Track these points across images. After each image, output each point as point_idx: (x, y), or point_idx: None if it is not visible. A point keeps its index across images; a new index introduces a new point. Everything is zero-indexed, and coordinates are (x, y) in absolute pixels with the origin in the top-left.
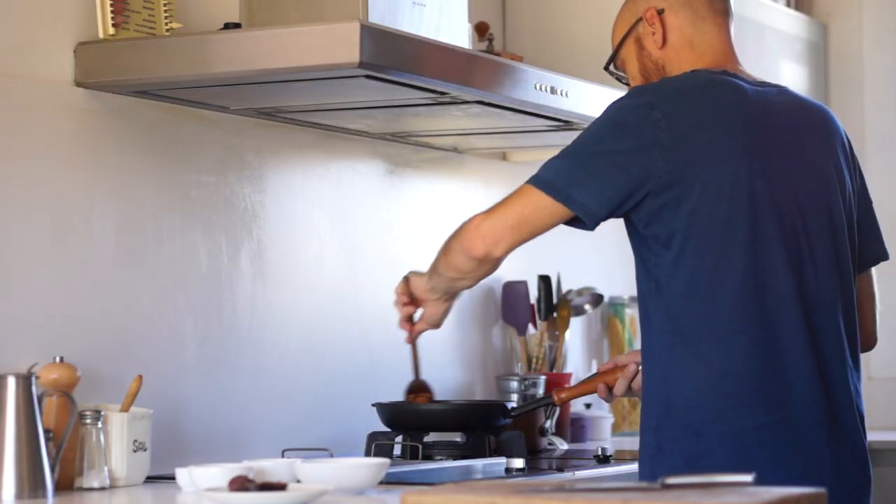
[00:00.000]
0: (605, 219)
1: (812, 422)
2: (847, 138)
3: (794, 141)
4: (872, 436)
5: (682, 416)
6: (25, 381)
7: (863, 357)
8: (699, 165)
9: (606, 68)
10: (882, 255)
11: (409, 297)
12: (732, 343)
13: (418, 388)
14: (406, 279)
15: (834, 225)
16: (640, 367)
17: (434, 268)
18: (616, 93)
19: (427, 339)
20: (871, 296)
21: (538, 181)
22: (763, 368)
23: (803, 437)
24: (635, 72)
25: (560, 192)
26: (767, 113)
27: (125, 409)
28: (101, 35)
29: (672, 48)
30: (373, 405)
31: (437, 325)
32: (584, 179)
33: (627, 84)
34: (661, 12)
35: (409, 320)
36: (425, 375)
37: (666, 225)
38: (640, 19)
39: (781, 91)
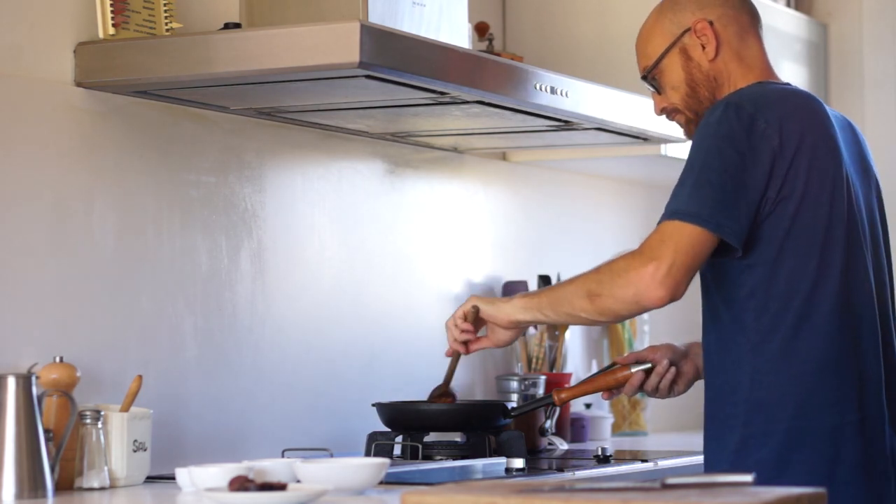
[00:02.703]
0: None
1: (880, 424)
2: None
3: (851, 149)
4: None
5: (773, 412)
6: (25, 381)
7: None
8: (802, 169)
9: (644, 78)
10: None
11: (473, 324)
12: (828, 342)
13: (444, 394)
14: (475, 308)
15: (884, 229)
16: (704, 367)
17: (549, 305)
18: (615, 93)
19: (427, 339)
20: None
21: (685, 215)
22: (851, 368)
23: (876, 438)
24: (679, 82)
25: (710, 221)
26: (831, 120)
27: (125, 409)
28: (101, 35)
29: (722, 61)
30: (373, 405)
31: (504, 346)
32: (725, 203)
33: (661, 92)
34: (711, 24)
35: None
36: (425, 375)
37: (771, 227)
38: (688, 30)
39: (821, 102)
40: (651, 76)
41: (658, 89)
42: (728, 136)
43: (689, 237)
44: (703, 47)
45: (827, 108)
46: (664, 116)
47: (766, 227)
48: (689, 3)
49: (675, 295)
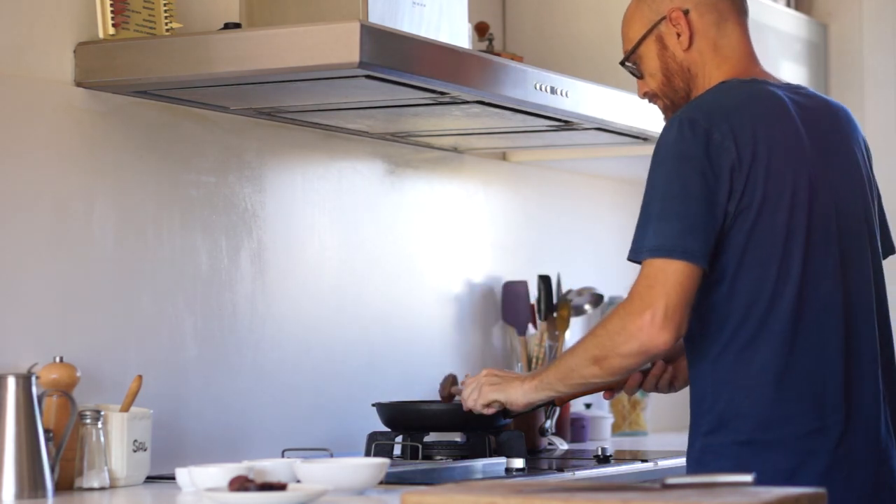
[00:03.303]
0: None
1: (844, 432)
2: (862, 133)
3: (828, 144)
4: None
5: (734, 424)
6: (25, 381)
7: None
8: (759, 180)
9: (622, 63)
10: (891, 249)
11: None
12: (782, 354)
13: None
14: (499, 401)
15: (869, 227)
16: (683, 368)
17: (560, 381)
18: (615, 93)
19: (427, 339)
20: None
21: (662, 251)
22: (809, 378)
23: (840, 445)
24: (655, 70)
25: (685, 253)
26: (804, 119)
27: (125, 409)
28: (101, 35)
29: (697, 51)
30: (373, 405)
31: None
32: (694, 229)
33: (640, 77)
34: (686, 13)
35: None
36: (425, 375)
37: (731, 241)
38: (664, 18)
39: (806, 92)
40: (630, 61)
41: (637, 75)
42: (686, 155)
43: (674, 275)
44: (679, 36)
45: (819, 99)
46: (647, 101)
47: (727, 241)
48: None
49: (679, 334)
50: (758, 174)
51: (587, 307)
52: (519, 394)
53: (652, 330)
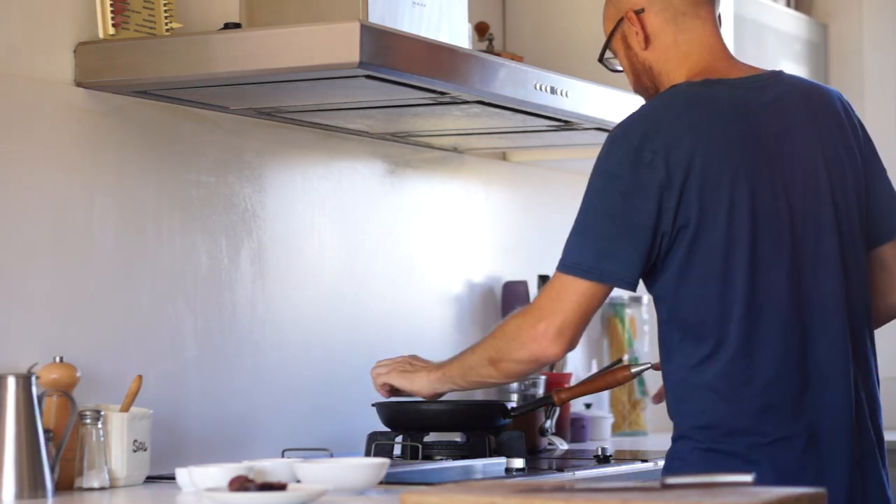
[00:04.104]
0: (640, 277)
1: (798, 442)
2: (848, 110)
3: (786, 140)
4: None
5: (689, 434)
6: (25, 381)
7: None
8: (694, 195)
9: (600, 60)
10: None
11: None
12: (729, 370)
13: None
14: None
15: (834, 221)
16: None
17: (460, 376)
18: (615, 93)
19: (428, 339)
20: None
21: (570, 268)
22: (771, 387)
23: (792, 457)
24: (626, 68)
25: (594, 272)
26: (752, 121)
27: (125, 409)
28: (101, 35)
29: (656, 49)
30: (373, 405)
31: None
32: (609, 250)
33: (615, 72)
34: (639, 12)
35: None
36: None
37: (671, 259)
38: (623, 18)
39: (777, 80)
40: (605, 60)
41: (613, 70)
42: (613, 173)
43: (576, 292)
44: (637, 35)
45: (784, 88)
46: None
47: (667, 260)
48: None
49: (570, 348)
50: (691, 192)
51: None
52: (424, 384)
53: (544, 341)
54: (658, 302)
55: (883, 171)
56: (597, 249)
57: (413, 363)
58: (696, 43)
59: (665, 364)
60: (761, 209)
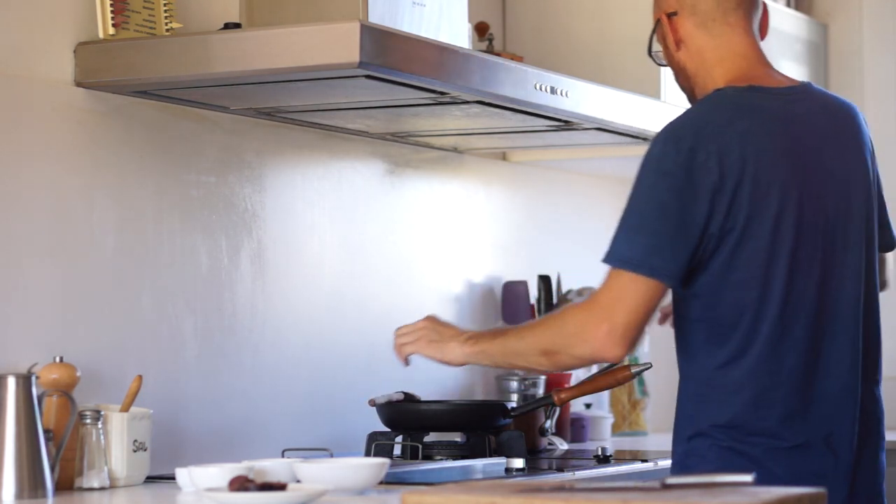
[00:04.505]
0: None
1: (821, 447)
2: (864, 125)
3: (821, 153)
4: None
5: (710, 434)
6: (25, 381)
7: None
8: (744, 202)
9: (649, 54)
10: (891, 245)
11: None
12: (759, 373)
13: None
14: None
15: (860, 232)
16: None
17: (502, 356)
18: (615, 93)
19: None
20: (884, 283)
21: (621, 262)
22: (785, 396)
23: (813, 461)
24: (668, 64)
25: (642, 267)
26: (796, 131)
27: (125, 409)
28: (101, 35)
29: (688, 51)
30: (371, 405)
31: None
32: (660, 247)
33: (664, 65)
34: (672, 16)
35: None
36: (425, 375)
37: (715, 261)
38: (660, 19)
39: (807, 93)
40: (653, 54)
41: (660, 64)
42: (667, 172)
43: (639, 292)
44: (671, 37)
45: (819, 101)
46: None
47: (710, 261)
48: None
49: (631, 350)
50: (742, 196)
51: None
52: (457, 354)
53: (607, 342)
54: (692, 300)
55: (880, 184)
56: (648, 245)
57: (439, 330)
58: (727, 49)
59: (686, 361)
60: (804, 219)
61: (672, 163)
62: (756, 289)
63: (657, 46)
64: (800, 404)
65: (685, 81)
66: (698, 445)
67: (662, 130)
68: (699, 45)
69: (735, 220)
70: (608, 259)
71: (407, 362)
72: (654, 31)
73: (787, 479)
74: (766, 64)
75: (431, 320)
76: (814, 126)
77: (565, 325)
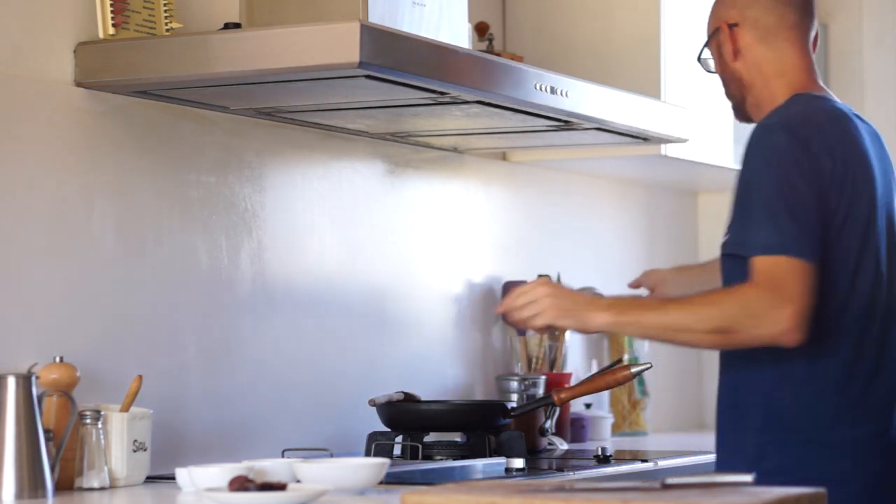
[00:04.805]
0: None
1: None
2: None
3: (874, 166)
4: None
5: (793, 421)
6: (25, 381)
7: None
8: (847, 196)
9: (698, 60)
10: None
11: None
12: (853, 355)
13: None
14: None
15: None
16: (721, 362)
17: (656, 329)
18: (615, 93)
19: (427, 339)
20: None
21: (771, 249)
22: (875, 380)
23: (889, 448)
24: (718, 71)
25: (793, 250)
26: (864, 141)
27: (125, 409)
28: (101, 35)
29: (746, 61)
30: (371, 404)
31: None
32: (807, 231)
33: (714, 73)
34: (733, 26)
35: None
36: (425, 375)
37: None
38: (719, 28)
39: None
40: (702, 60)
41: (707, 70)
42: (793, 160)
43: (804, 274)
44: (729, 46)
45: (857, 119)
46: None
47: None
48: None
49: (806, 337)
50: (844, 190)
51: None
52: (600, 322)
53: (791, 324)
54: None
55: None
56: (797, 229)
57: (569, 296)
58: (786, 62)
59: (756, 352)
60: (879, 220)
61: (794, 151)
62: (847, 278)
63: (706, 54)
64: (879, 398)
65: (737, 90)
66: (772, 439)
67: (769, 123)
68: (757, 56)
69: (835, 214)
70: (749, 249)
71: (543, 331)
72: (710, 39)
73: (858, 474)
74: (818, 79)
75: (549, 285)
76: (868, 137)
77: (747, 304)
